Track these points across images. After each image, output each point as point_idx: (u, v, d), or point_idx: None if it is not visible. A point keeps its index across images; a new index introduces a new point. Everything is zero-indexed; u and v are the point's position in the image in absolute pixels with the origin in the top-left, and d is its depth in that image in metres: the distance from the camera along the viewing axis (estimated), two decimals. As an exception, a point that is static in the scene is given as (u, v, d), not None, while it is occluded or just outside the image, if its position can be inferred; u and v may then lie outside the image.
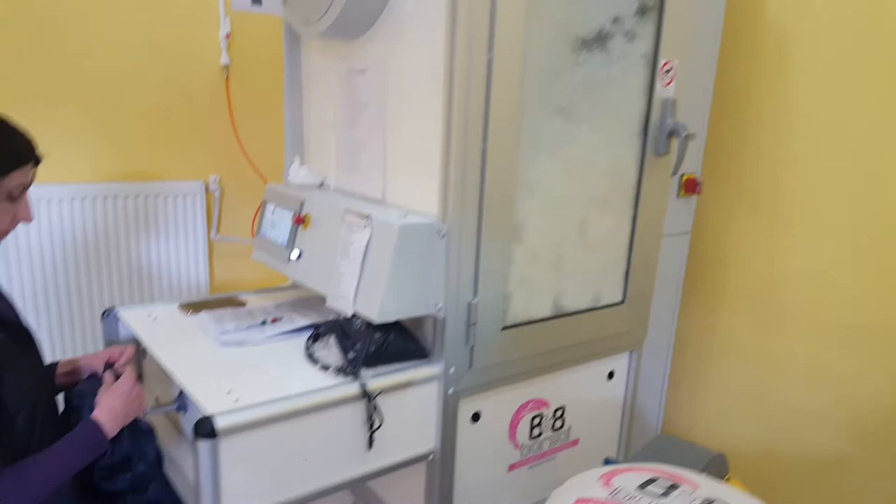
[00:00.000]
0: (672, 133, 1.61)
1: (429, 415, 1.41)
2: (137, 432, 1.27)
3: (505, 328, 1.45)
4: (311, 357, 1.39)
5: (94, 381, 1.33)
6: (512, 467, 1.62)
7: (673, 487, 1.00)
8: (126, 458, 1.24)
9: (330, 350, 1.38)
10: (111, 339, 1.61)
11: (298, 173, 1.69)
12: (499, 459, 1.59)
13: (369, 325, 1.37)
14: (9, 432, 1.11)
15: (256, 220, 2.77)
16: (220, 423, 1.11)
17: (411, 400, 1.37)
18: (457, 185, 1.29)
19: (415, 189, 1.43)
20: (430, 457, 1.43)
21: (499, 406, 1.54)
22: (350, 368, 1.31)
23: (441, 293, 1.35)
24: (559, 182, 1.47)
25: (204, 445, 1.10)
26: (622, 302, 1.70)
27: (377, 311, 1.30)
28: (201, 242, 2.55)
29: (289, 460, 1.23)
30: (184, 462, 1.32)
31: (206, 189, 2.53)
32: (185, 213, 2.48)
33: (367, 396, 1.28)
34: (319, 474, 1.28)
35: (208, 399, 1.18)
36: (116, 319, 1.60)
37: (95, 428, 1.18)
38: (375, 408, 1.28)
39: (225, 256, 2.70)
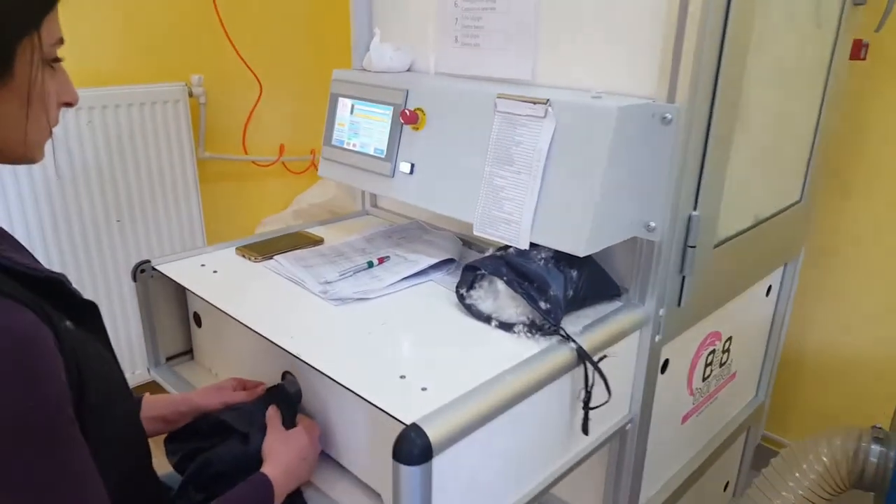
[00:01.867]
0: (880, -25, 1.23)
1: (626, 372, 1.05)
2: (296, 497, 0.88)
3: (716, 246, 1.08)
4: (474, 311, 0.98)
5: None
6: (685, 418, 1.30)
7: None
8: None
9: (499, 299, 0.98)
10: (150, 304, 1.14)
11: (383, 54, 1.21)
12: (675, 412, 1.26)
13: (557, 260, 0.96)
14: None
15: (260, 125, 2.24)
16: (433, 434, 0.70)
17: (613, 355, 0.99)
18: (696, 46, 0.87)
19: (598, 61, 1.00)
20: (628, 425, 1.08)
21: (683, 348, 1.19)
22: (549, 325, 0.91)
23: (657, 206, 0.95)
24: (781, 44, 1.07)
25: (411, 473, 0.70)
26: (800, 200, 1.35)
27: (584, 239, 0.90)
28: (189, 162, 2.02)
29: (497, 466, 0.84)
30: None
31: (190, 93, 1.98)
32: (167, 124, 1.93)
33: (587, 361, 0.89)
34: (526, 477, 0.90)
35: (388, 396, 0.77)
36: (153, 277, 1.12)
37: (269, 489, 0.80)
38: (601, 375, 0.90)
39: (215, 180, 2.17)
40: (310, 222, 1.37)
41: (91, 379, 0.66)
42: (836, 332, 1.78)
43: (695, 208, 0.98)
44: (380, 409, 0.75)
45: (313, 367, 0.83)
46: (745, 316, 1.39)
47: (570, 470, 0.97)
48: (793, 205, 1.33)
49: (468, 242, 1.26)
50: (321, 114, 2.38)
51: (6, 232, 0.73)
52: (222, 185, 2.20)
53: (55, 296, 0.68)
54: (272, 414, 0.91)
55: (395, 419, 0.72)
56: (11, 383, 0.56)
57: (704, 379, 1.31)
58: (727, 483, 1.69)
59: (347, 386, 0.79)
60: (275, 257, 1.14)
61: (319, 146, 2.37)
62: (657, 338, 1.03)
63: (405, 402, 0.76)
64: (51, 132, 0.70)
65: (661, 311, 1.02)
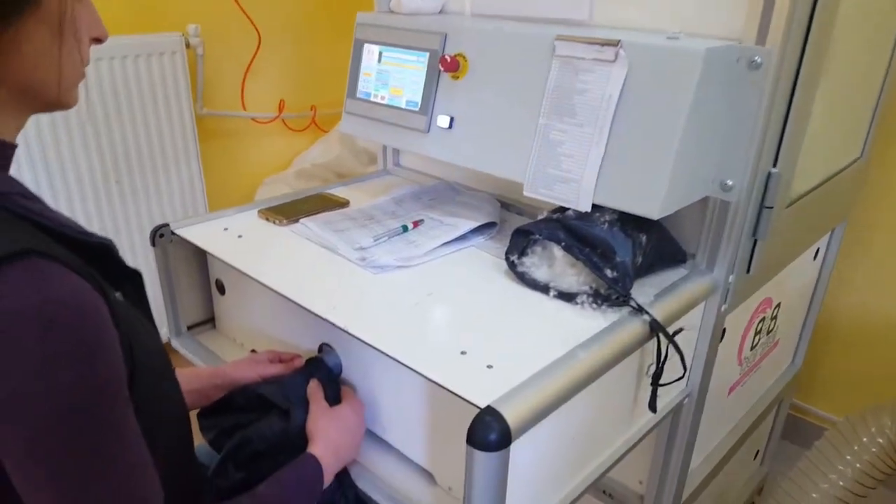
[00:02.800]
0: None
1: (687, 344, 0.96)
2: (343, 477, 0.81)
3: (788, 205, 1.00)
4: (527, 279, 0.89)
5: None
6: (731, 389, 1.23)
7: None
8: None
9: (555, 266, 0.88)
10: (170, 270, 1.03)
11: (414, -7, 1.09)
12: (724, 383, 1.18)
13: (623, 223, 0.87)
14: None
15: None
16: (511, 417, 0.62)
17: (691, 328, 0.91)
18: (795, -23, 0.77)
19: (667, -2, 0.89)
20: (685, 400, 1.00)
21: (739, 316, 1.11)
22: (618, 295, 0.82)
23: (736, 162, 0.86)
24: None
25: (488, 460, 0.62)
26: (860, 157, 1.27)
27: (659, 200, 0.80)
28: (188, 118, 1.89)
29: (566, 449, 0.77)
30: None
31: (186, 44, 1.84)
32: (164, 78, 1.80)
33: (661, 334, 0.80)
34: (592, 457, 0.83)
35: (453, 375, 0.68)
36: (171, 242, 1.02)
37: (319, 471, 0.73)
38: (677, 350, 0.82)
39: (213, 138, 2.05)
40: (321, 183, 1.27)
41: (141, 355, 0.58)
42: (869, 296, 1.71)
43: (774, 165, 0.89)
44: (449, 390, 0.66)
45: (366, 343, 0.74)
46: (794, 280, 1.31)
47: (633, 447, 0.89)
48: (854, 161, 1.24)
49: (506, 204, 1.16)
50: (323, 67, 2.25)
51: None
52: (219, 142, 2.08)
53: (103, 263, 0.59)
54: (315, 388, 0.83)
55: (468, 401, 0.64)
56: (67, 360, 0.49)
57: (752, 348, 1.24)
58: (757, 452, 1.64)
59: (408, 364, 0.70)
60: (301, 220, 1.04)
61: (321, 102, 2.26)
62: (723, 307, 0.95)
63: (473, 382, 0.67)
64: (84, 72, 0.60)
65: (731, 279, 0.93)
